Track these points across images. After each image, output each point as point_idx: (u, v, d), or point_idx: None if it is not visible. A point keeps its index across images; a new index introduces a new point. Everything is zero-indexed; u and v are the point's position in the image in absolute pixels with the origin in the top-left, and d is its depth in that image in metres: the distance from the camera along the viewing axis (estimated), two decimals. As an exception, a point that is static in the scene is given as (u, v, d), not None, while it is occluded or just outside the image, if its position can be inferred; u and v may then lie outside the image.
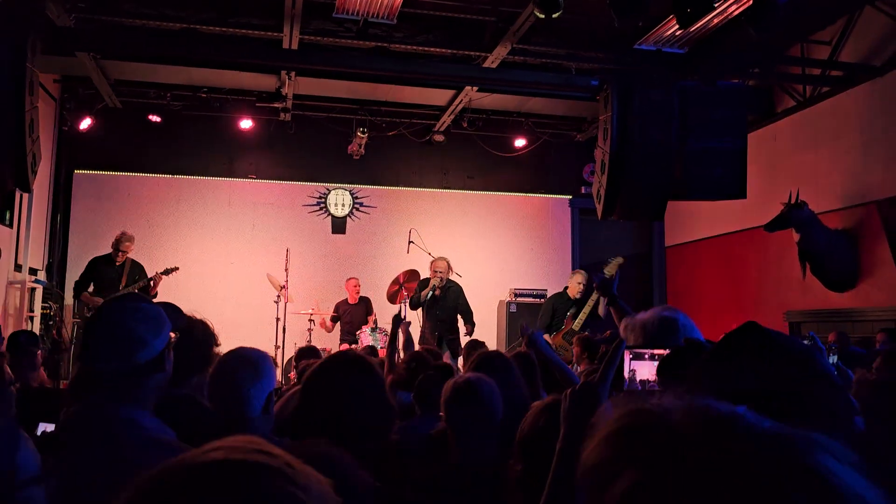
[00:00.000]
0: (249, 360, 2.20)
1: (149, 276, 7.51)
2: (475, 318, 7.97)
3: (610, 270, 6.26)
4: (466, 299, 7.66)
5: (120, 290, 7.26)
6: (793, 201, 6.91)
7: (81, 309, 7.44)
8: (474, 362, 2.59)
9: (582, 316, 7.11)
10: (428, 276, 7.69)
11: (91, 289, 7.44)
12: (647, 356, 1.18)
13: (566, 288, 7.42)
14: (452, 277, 7.84)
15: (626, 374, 1.15)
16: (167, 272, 7.56)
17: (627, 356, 1.16)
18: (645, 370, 1.17)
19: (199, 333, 2.37)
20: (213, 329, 2.51)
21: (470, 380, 2.08)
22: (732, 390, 0.95)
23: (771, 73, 8.03)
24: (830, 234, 7.09)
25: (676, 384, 1.13)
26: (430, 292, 7.52)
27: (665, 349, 1.57)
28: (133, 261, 7.58)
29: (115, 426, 1.58)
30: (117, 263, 7.48)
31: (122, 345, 1.62)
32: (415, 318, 7.84)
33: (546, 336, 7.34)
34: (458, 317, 7.69)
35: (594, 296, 7.05)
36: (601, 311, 7.02)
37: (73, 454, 1.52)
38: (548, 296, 9.32)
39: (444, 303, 7.53)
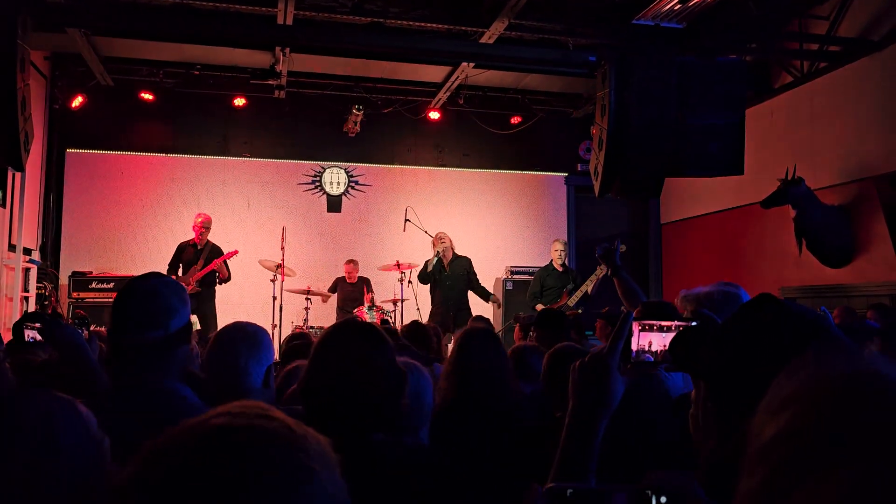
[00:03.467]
0: (247, 334, 2.20)
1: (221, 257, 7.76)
2: (470, 296, 8.02)
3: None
4: (476, 274, 7.80)
5: (196, 273, 7.63)
6: (789, 177, 6.91)
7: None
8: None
9: (578, 293, 7.22)
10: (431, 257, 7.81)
11: (181, 271, 7.72)
12: (655, 328, 1.17)
13: (551, 261, 7.89)
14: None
15: (634, 347, 1.14)
16: (228, 256, 7.83)
17: (636, 328, 1.14)
18: (656, 342, 1.16)
19: None
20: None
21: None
22: (745, 358, 0.94)
23: (769, 49, 7.98)
24: (827, 210, 7.10)
25: (689, 360, 1.12)
26: (436, 258, 7.62)
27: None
28: (213, 245, 7.83)
29: (161, 397, 1.64)
30: (199, 247, 7.80)
31: (159, 314, 1.69)
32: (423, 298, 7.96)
33: (539, 305, 7.45)
34: (469, 293, 7.86)
35: (595, 274, 7.24)
36: (591, 290, 7.30)
37: (126, 426, 1.52)
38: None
39: (454, 272, 7.64)
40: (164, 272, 7.51)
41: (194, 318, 7.72)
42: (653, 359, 1.16)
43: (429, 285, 7.89)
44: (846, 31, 7.24)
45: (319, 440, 0.65)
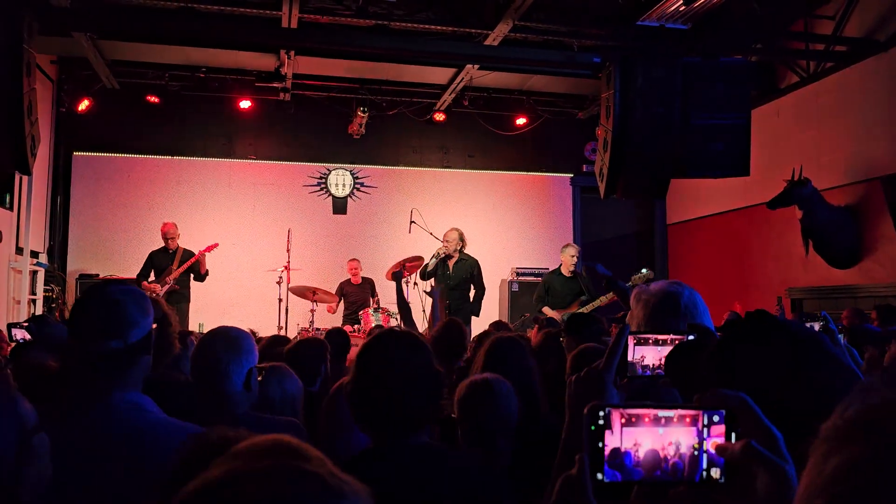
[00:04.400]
0: (230, 338, 2.24)
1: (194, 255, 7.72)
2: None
3: (636, 281, 6.46)
4: (481, 275, 7.60)
5: (173, 272, 7.55)
6: (796, 178, 6.88)
7: None
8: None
9: (590, 307, 7.13)
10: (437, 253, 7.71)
11: (151, 278, 7.66)
12: (651, 341, 1.16)
13: (560, 265, 7.54)
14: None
15: (630, 359, 1.13)
16: (208, 250, 7.77)
17: (632, 342, 1.13)
18: (651, 356, 1.16)
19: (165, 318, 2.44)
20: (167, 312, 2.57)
21: (488, 381, 2.17)
22: (741, 379, 0.94)
23: (774, 49, 7.95)
24: (833, 210, 7.07)
25: (685, 376, 1.11)
26: (434, 258, 7.57)
27: (665, 326, 1.57)
28: (185, 249, 7.78)
29: (120, 409, 1.59)
30: (170, 251, 7.75)
31: (118, 324, 1.64)
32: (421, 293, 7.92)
33: (546, 308, 7.39)
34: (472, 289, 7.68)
35: (608, 297, 7.04)
36: (604, 304, 7.13)
37: (85, 439, 1.52)
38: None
39: (456, 274, 7.52)
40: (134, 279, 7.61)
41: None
42: (649, 373, 1.15)
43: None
44: (852, 31, 7.20)
45: (358, 487, 0.64)
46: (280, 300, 7.92)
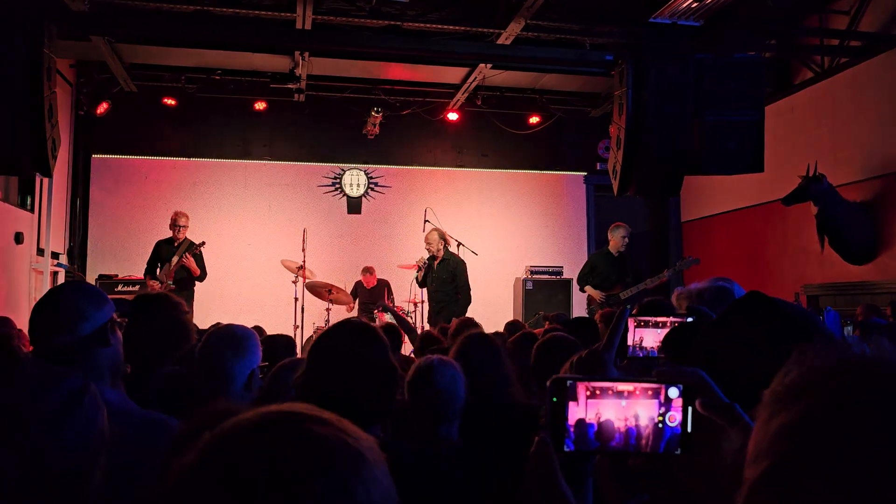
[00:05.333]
0: (233, 337, 2.28)
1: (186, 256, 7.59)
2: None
3: (682, 266, 7.14)
4: (467, 278, 7.46)
5: (170, 270, 7.47)
6: (811, 174, 6.85)
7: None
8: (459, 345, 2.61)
9: (634, 289, 7.20)
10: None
11: (158, 270, 7.64)
12: (650, 324, 1.19)
13: (607, 245, 7.57)
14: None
15: (630, 342, 1.16)
16: (197, 249, 7.70)
17: (632, 324, 1.17)
18: (650, 338, 1.18)
19: (167, 315, 2.48)
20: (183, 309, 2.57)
21: (432, 362, 2.14)
22: (734, 354, 0.97)
23: (788, 45, 7.92)
24: (849, 206, 7.02)
25: (681, 356, 1.14)
26: (420, 266, 7.53)
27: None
28: (190, 241, 7.72)
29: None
30: (175, 244, 7.70)
31: (66, 318, 1.73)
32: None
33: (588, 288, 7.40)
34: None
35: (656, 278, 7.11)
36: (650, 287, 7.15)
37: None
38: (563, 273, 9.39)
39: (438, 275, 7.43)
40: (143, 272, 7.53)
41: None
42: (647, 354, 1.18)
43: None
44: (867, 25, 7.16)
45: (361, 433, 0.68)
46: (296, 299, 7.99)
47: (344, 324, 1.72)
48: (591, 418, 0.87)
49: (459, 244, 8.20)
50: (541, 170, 10.24)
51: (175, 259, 7.54)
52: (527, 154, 10.11)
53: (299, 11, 6.50)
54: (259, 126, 9.48)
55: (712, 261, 9.77)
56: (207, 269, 7.80)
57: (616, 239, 7.51)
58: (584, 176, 10.35)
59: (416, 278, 7.71)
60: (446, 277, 7.38)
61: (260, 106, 9.12)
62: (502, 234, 9.93)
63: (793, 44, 7.92)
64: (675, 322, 1.16)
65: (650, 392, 0.87)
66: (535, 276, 9.32)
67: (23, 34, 5.36)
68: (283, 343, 4.42)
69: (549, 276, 9.28)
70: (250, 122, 9.40)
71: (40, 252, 8.00)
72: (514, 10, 6.62)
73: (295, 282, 8.02)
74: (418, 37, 7.15)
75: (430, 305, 7.69)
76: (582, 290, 7.66)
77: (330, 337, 1.65)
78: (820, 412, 0.55)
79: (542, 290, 9.17)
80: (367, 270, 8.65)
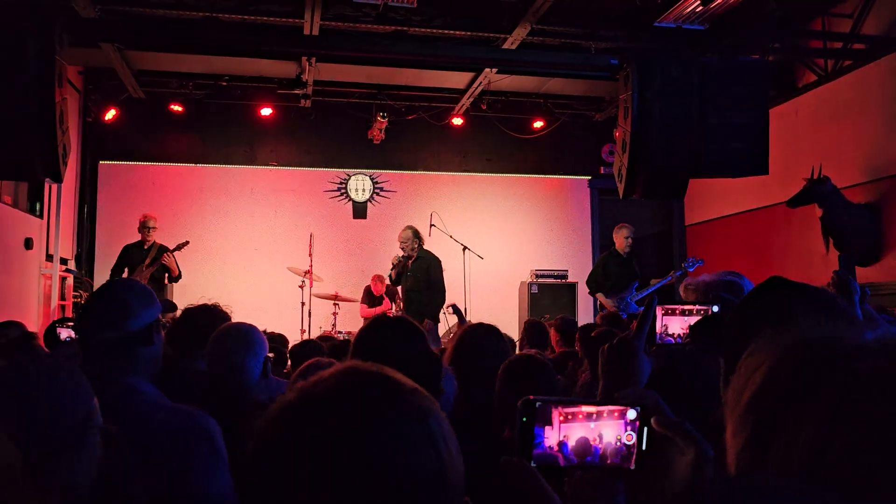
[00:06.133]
0: (241, 333, 2.36)
1: (167, 255, 7.59)
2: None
3: (688, 266, 7.21)
4: (440, 276, 7.36)
5: (143, 271, 7.43)
6: (815, 176, 6.88)
7: None
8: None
9: (643, 294, 7.24)
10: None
11: (125, 274, 7.61)
12: (678, 312, 1.23)
13: (613, 245, 7.59)
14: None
15: (658, 329, 1.20)
16: (178, 248, 7.72)
17: (659, 312, 1.21)
18: (676, 325, 1.22)
19: (200, 317, 2.64)
20: (220, 310, 2.71)
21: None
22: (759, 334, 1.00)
23: (792, 48, 7.97)
24: (854, 208, 7.06)
25: (708, 342, 1.18)
26: (393, 264, 7.47)
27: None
28: (160, 245, 7.72)
29: (118, 394, 1.71)
30: (145, 247, 7.67)
31: (114, 314, 1.78)
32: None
33: (600, 295, 7.42)
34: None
35: (665, 278, 7.18)
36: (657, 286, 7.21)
37: None
38: (568, 276, 9.41)
39: (413, 273, 7.37)
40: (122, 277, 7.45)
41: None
42: (675, 341, 1.22)
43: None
44: (870, 28, 7.21)
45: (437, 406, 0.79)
46: (303, 304, 8.03)
47: (382, 317, 1.78)
48: (561, 439, 0.96)
49: (465, 248, 8.25)
50: (545, 174, 10.29)
51: (148, 261, 7.52)
52: (531, 158, 10.16)
53: (307, 17, 6.56)
54: (265, 132, 9.54)
55: (717, 263, 9.80)
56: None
57: (620, 239, 7.56)
58: (589, 180, 10.40)
59: (390, 276, 7.65)
60: (420, 276, 7.31)
61: (266, 112, 9.18)
62: (507, 238, 9.97)
63: (796, 47, 7.97)
64: (700, 310, 1.20)
65: (616, 414, 0.96)
66: (540, 280, 9.34)
67: (35, 41, 5.41)
68: (279, 340, 4.64)
69: (555, 280, 9.30)
70: (256, 127, 9.46)
71: (49, 257, 8.05)
72: (520, 15, 6.68)
73: (301, 286, 8.06)
74: (424, 42, 7.21)
75: (403, 304, 7.63)
76: (593, 294, 7.65)
77: (371, 330, 1.71)
78: (769, 388, 0.64)
79: (547, 294, 9.18)
80: (379, 279, 8.65)
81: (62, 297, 8.21)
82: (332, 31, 7.00)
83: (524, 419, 0.95)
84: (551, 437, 0.94)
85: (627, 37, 6.96)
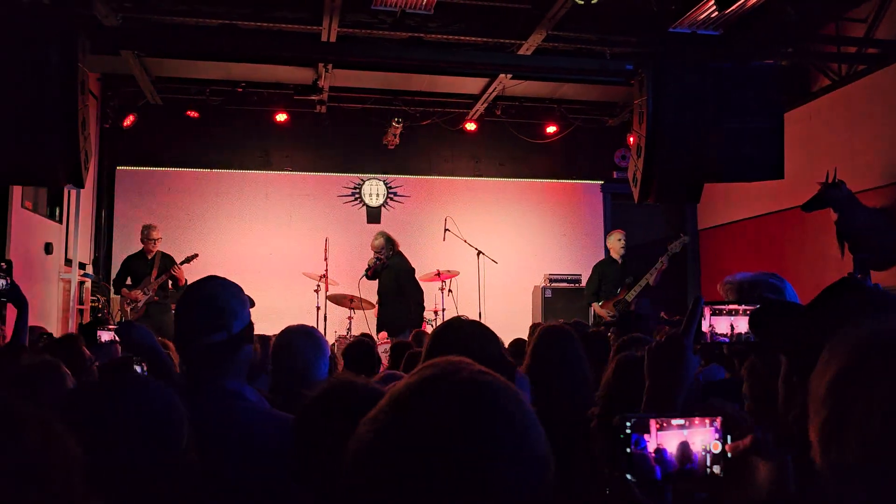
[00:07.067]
0: (306, 333, 2.40)
1: (177, 268, 7.65)
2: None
3: (675, 248, 7.24)
4: (408, 283, 7.39)
5: (151, 283, 7.53)
6: (830, 180, 6.89)
7: (122, 304, 7.69)
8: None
9: (637, 288, 7.26)
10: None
11: (129, 283, 7.69)
12: (724, 311, 1.27)
13: (608, 252, 7.63)
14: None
15: (705, 329, 1.24)
16: (187, 260, 7.77)
17: (707, 311, 1.25)
18: (723, 325, 1.26)
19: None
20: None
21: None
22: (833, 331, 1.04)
23: (806, 53, 7.99)
24: (869, 212, 7.05)
25: (770, 336, 1.21)
26: (369, 265, 7.55)
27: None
28: (163, 253, 7.78)
29: (223, 401, 1.69)
30: (148, 258, 7.71)
31: (220, 316, 1.73)
32: (463, 307, 7.98)
33: (595, 305, 7.46)
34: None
35: (656, 267, 7.21)
36: (654, 281, 7.21)
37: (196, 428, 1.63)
38: (582, 281, 9.43)
39: (383, 281, 7.42)
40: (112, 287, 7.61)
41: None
42: (728, 340, 1.26)
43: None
44: (884, 33, 7.22)
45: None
46: (318, 308, 8.08)
47: (458, 319, 1.81)
48: (658, 446, 1.01)
49: (479, 253, 8.29)
50: (558, 179, 10.33)
51: (155, 273, 7.57)
52: (544, 163, 10.20)
53: (325, 24, 6.62)
54: (280, 137, 9.62)
55: (731, 269, 9.80)
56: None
57: (613, 243, 7.63)
58: (602, 185, 10.43)
59: (366, 274, 7.70)
60: (389, 284, 7.37)
61: (281, 118, 9.26)
62: (521, 242, 10.01)
63: (810, 52, 7.99)
64: (748, 310, 1.24)
65: (706, 423, 1.03)
66: (553, 285, 9.37)
67: (58, 49, 5.50)
68: None
69: (568, 284, 9.33)
70: (272, 133, 9.54)
71: (68, 262, 8.14)
72: (536, 22, 6.72)
73: (317, 291, 8.11)
74: (440, 48, 7.26)
75: (377, 309, 7.69)
76: (588, 304, 7.67)
77: (449, 331, 1.75)
78: (845, 373, 0.71)
79: (561, 299, 9.21)
80: None
81: (80, 302, 8.29)
82: (350, 38, 7.07)
83: (622, 435, 1.00)
84: (651, 443, 1.00)
85: (642, 42, 7.00)
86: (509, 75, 8.19)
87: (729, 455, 1.00)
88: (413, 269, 7.50)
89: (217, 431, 1.62)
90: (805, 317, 1.14)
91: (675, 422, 1.01)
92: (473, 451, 0.69)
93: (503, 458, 0.70)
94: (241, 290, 1.84)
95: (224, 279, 1.88)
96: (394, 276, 7.35)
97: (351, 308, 8.21)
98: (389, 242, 7.46)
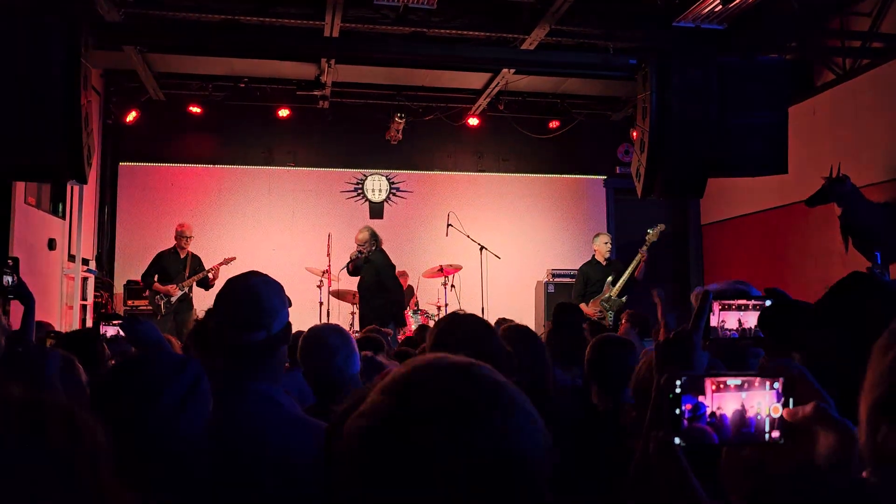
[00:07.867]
0: (335, 332, 2.39)
1: (206, 267, 7.89)
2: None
3: (652, 237, 7.02)
4: (387, 278, 7.36)
5: (187, 279, 7.72)
6: (834, 175, 6.87)
7: (153, 297, 7.76)
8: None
9: (620, 283, 7.25)
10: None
11: (157, 279, 7.77)
12: (733, 307, 1.26)
13: (594, 254, 7.64)
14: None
15: (715, 324, 1.23)
16: (226, 262, 7.84)
17: (716, 307, 1.24)
18: (732, 320, 1.26)
19: None
20: None
21: None
22: (847, 329, 1.04)
23: (810, 47, 7.96)
24: (873, 207, 7.04)
25: (782, 334, 1.21)
26: (351, 258, 7.52)
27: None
28: (194, 254, 7.96)
29: (256, 406, 1.62)
30: (181, 256, 7.88)
31: (263, 315, 1.67)
32: (466, 302, 7.98)
33: (582, 305, 7.45)
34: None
35: (636, 260, 7.19)
36: (638, 274, 7.19)
37: (223, 430, 1.52)
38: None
39: (364, 275, 7.40)
40: (140, 281, 7.71)
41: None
42: (738, 335, 1.25)
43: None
44: (888, 27, 7.19)
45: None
46: (321, 303, 8.09)
47: (457, 314, 1.82)
48: (715, 409, 0.94)
49: (482, 248, 8.28)
50: (561, 174, 10.32)
51: (187, 272, 7.76)
52: (547, 158, 10.18)
53: (328, 20, 6.61)
54: (283, 133, 9.61)
55: (734, 263, 9.80)
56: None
57: (599, 246, 7.59)
58: (604, 179, 10.42)
59: (347, 268, 7.68)
60: (370, 279, 7.35)
61: (284, 113, 9.25)
62: (523, 237, 10.00)
63: (814, 46, 7.97)
64: (757, 305, 1.24)
65: (767, 384, 0.95)
66: (556, 280, 9.37)
67: (61, 44, 5.49)
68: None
69: (571, 279, 9.30)
70: (274, 129, 9.53)
71: (71, 258, 8.14)
72: (539, 16, 6.70)
73: (320, 286, 8.11)
74: (444, 43, 7.24)
75: (358, 303, 7.70)
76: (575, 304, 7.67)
77: (449, 324, 1.76)
78: None
79: (563, 293, 9.18)
80: (402, 274, 8.69)
81: (83, 297, 8.30)
82: (352, 33, 7.05)
83: (671, 395, 0.93)
84: (708, 405, 0.93)
85: (646, 37, 6.97)
86: (512, 70, 8.16)
87: (788, 420, 0.93)
88: (394, 266, 7.51)
89: (249, 436, 1.55)
90: (818, 313, 1.14)
91: (731, 382, 0.93)
92: (469, 421, 0.71)
93: (516, 428, 0.72)
94: (282, 288, 1.77)
95: (266, 276, 1.80)
96: (375, 271, 7.33)
97: (354, 303, 8.21)
98: (374, 237, 7.45)
